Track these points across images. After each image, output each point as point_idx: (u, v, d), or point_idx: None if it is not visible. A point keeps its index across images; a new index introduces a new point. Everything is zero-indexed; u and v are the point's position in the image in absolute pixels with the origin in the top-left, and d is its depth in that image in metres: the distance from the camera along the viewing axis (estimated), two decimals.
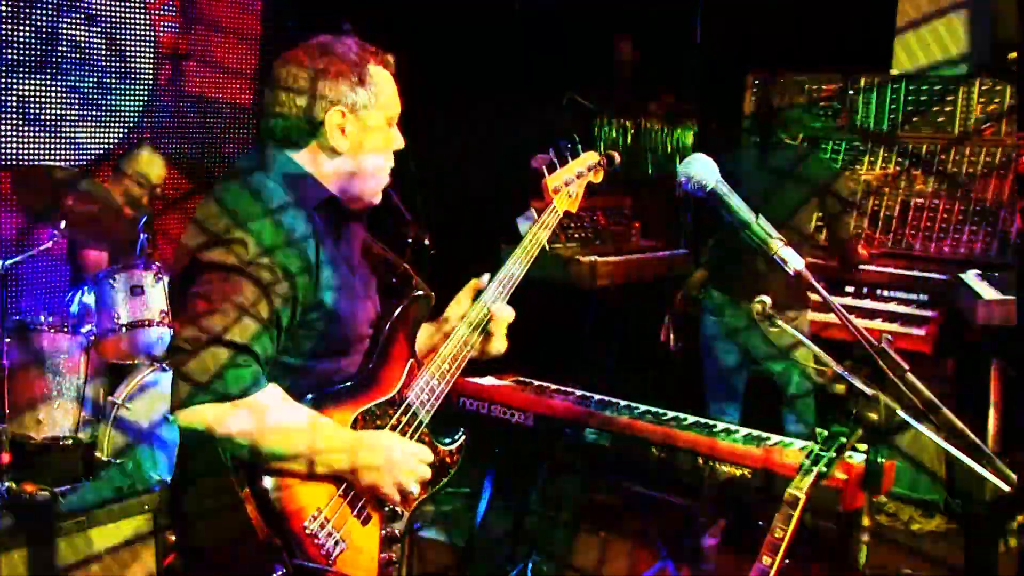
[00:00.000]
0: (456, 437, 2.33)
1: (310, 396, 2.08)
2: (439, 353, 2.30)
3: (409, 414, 2.21)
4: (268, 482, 1.98)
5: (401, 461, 2.10)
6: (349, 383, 2.16)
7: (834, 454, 2.13)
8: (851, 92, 5.46)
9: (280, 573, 1.95)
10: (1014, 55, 5.19)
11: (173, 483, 2.27)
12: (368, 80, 2.13)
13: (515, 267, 2.43)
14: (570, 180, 2.62)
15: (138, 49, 5.81)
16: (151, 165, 5.00)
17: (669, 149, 6.46)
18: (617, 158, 2.74)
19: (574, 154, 2.65)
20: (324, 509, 2.03)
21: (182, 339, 1.96)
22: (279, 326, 2.01)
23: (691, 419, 3.11)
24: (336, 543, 2.03)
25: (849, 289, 5.06)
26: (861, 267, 4.92)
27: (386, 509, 2.15)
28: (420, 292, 2.31)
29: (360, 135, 2.14)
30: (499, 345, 2.41)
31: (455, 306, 2.45)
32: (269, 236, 2.01)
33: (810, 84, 5.53)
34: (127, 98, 5.82)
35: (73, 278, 4.94)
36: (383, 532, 2.15)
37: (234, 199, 2.06)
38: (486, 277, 2.42)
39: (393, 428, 2.17)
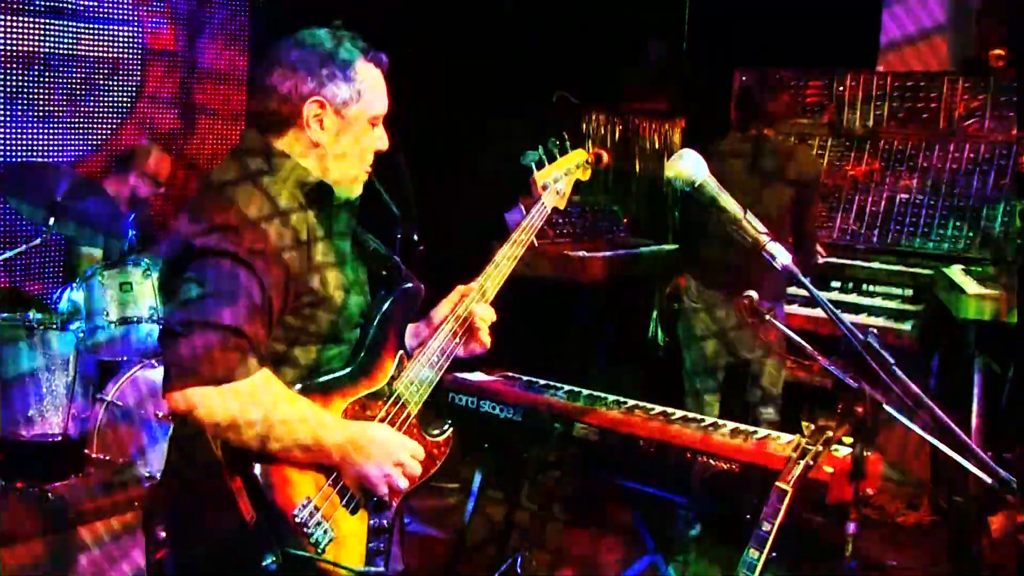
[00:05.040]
0: (444, 429, 2.34)
1: (299, 385, 2.09)
2: (428, 346, 2.33)
3: (398, 406, 2.23)
4: (258, 469, 1.98)
5: (392, 454, 2.11)
6: (339, 372, 2.17)
7: (820, 448, 2.15)
8: (836, 89, 5.50)
9: (269, 561, 1.96)
10: (997, 52, 5.23)
11: (163, 470, 2.28)
12: (352, 76, 2.13)
13: (502, 264, 2.46)
14: (558, 177, 2.65)
15: (127, 45, 5.80)
16: (160, 165, 5.07)
17: (658, 146, 6.48)
18: (605, 156, 2.77)
19: (563, 151, 2.68)
20: (314, 498, 2.04)
21: (174, 323, 1.97)
22: (271, 311, 2.02)
23: (679, 414, 3.13)
24: (325, 532, 2.05)
25: (835, 284, 5.10)
26: (823, 260, 5.00)
27: (374, 499, 2.16)
28: (410, 285, 2.33)
29: (337, 130, 2.14)
30: (483, 344, 2.43)
31: (441, 308, 2.46)
32: (260, 222, 2.03)
33: (796, 81, 5.57)
34: (116, 94, 5.80)
35: (67, 275, 4.94)
36: (371, 522, 2.16)
37: (226, 186, 2.08)
38: (474, 284, 2.45)
39: (382, 419, 2.19)
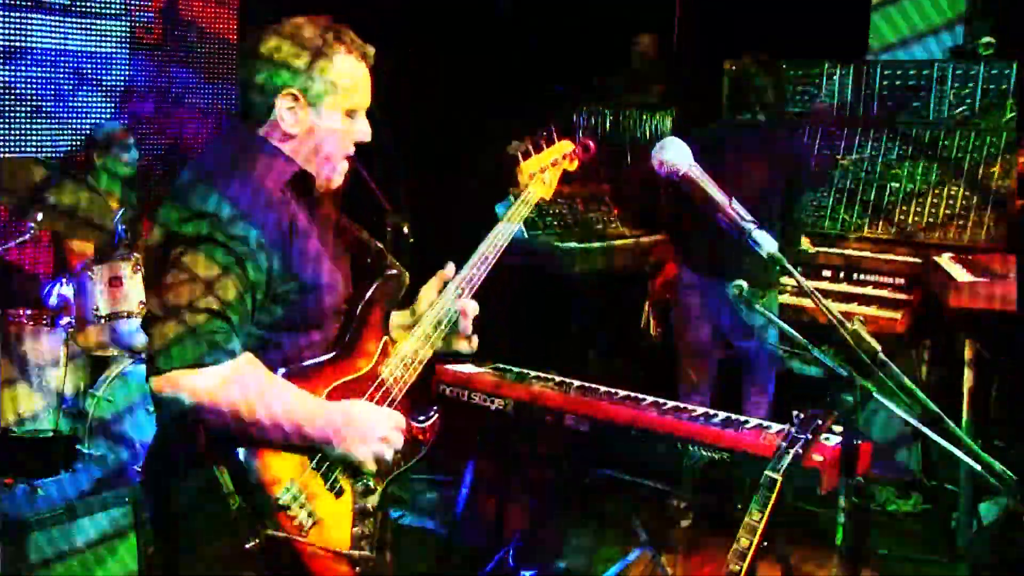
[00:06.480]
0: (430, 415, 2.34)
1: (283, 370, 2.09)
2: (412, 333, 2.33)
3: (382, 391, 2.22)
4: (241, 452, 1.99)
5: (375, 428, 2.12)
6: (323, 357, 2.17)
7: (810, 436, 2.15)
8: (827, 78, 5.50)
9: (253, 544, 1.96)
10: (988, 39, 5.23)
11: (147, 455, 2.28)
12: (328, 68, 2.12)
13: (487, 253, 2.44)
14: (545, 167, 2.65)
15: (114, 38, 5.78)
16: (125, 135, 5.09)
17: (648, 136, 6.47)
18: (592, 146, 2.76)
19: (549, 142, 2.67)
20: (297, 481, 2.05)
21: (157, 308, 1.98)
22: (253, 297, 2.04)
23: (670, 404, 3.13)
24: (309, 515, 2.05)
25: (826, 273, 5.10)
26: (813, 250, 5.00)
27: (359, 484, 2.16)
28: (394, 271, 2.33)
29: (311, 122, 2.15)
30: (466, 343, 2.40)
31: (422, 298, 2.44)
32: (242, 209, 2.03)
33: (786, 70, 5.57)
34: (104, 88, 5.78)
35: (56, 270, 4.94)
36: (356, 506, 2.16)
37: (207, 174, 2.09)
38: (450, 267, 2.42)
39: None
